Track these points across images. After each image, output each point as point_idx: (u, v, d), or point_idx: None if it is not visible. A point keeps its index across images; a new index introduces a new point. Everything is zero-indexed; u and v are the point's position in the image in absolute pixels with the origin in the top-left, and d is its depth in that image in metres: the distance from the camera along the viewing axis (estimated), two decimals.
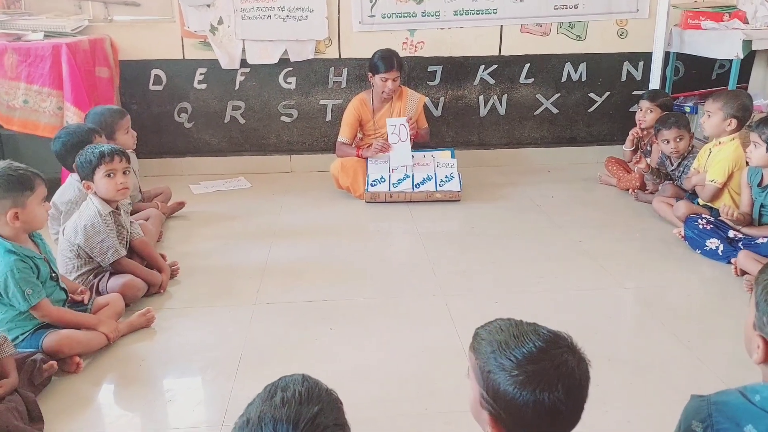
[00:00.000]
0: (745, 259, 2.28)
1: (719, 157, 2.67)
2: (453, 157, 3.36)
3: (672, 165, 3.09)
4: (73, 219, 2.22)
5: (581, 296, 2.21)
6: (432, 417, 1.57)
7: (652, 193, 3.18)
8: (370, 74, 3.28)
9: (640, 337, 1.97)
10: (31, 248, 1.85)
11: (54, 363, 1.74)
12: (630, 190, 3.31)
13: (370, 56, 3.27)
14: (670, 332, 1.96)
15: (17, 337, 1.81)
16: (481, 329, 0.97)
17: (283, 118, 3.81)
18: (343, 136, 3.38)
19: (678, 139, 2.97)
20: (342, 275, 2.41)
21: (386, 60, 3.20)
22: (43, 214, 1.84)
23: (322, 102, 3.79)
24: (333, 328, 2.01)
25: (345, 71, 3.72)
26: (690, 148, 3.00)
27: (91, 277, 2.21)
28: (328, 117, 3.81)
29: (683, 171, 3.00)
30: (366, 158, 3.32)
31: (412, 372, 1.77)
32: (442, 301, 2.18)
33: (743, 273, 2.29)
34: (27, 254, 1.81)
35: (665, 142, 3.00)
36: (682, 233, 2.63)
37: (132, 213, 2.64)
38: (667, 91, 3.62)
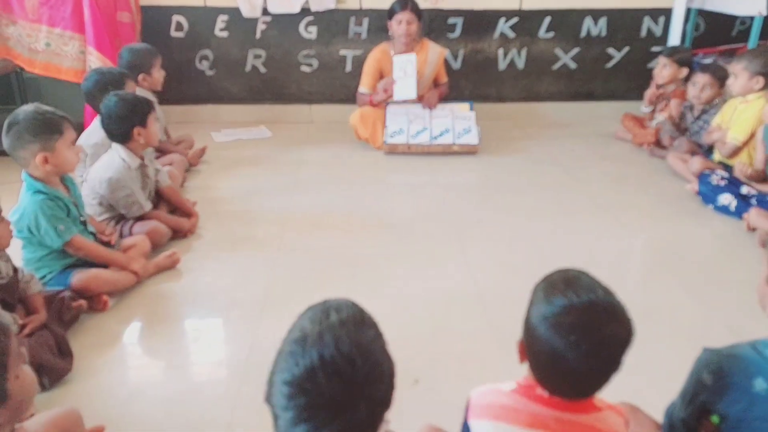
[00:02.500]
0: (757, 215, 2.34)
1: (745, 115, 2.68)
2: (471, 109, 3.39)
3: (692, 117, 3.11)
4: (97, 168, 2.21)
5: (595, 246, 2.29)
6: (448, 358, 1.64)
7: (666, 149, 3.22)
8: (388, 21, 3.27)
9: (651, 287, 2.04)
10: (61, 191, 1.87)
11: (83, 302, 1.78)
12: (645, 145, 3.35)
13: (389, 7, 3.25)
14: (680, 282, 2.04)
15: (45, 276, 1.85)
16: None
17: (304, 68, 3.82)
18: (363, 85, 3.39)
19: (705, 87, 2.97)
20: (360, 224, 2.48)
21: (400, 1, 3.19)
22: (72, 157, 1.84)
23: (342, 52, 3.79)
24: (352, 273, 2.08)
25: (366, 21, 3.70)
26: (713, 103, 3.01)
27: (113, 223, 2.23)
28: (348, 68, 3.82)
29: (702, 125, 3.02)
30: (377, 104, 3.33)
31: (428, 314, 1.84)
32: (459, 248, 2.27)
33: (755, 229, 2.36)
34: (56, 195, 1.83)
35: (693, 85, 3.01)
36: (696, 188, 2.69)
37: (156, 156, 2.68)
38: (686, 47, 3.60)
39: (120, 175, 2.16)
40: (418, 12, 3.22)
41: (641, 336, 1.72)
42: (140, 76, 2.84)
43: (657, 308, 1.89)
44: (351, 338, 0.73)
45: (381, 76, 3.39)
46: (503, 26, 3.78)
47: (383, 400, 0.75)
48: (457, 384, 1.51)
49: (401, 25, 3.19)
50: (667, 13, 3.73)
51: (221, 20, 3.66)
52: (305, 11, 3.64)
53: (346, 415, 0.70)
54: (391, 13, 3.23)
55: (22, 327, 1.57)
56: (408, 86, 3.26)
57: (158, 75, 2.94)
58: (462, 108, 3.40)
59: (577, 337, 0.84)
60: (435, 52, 3.38)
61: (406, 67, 3.25)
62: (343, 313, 0.77)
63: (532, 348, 0.91)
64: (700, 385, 1.00)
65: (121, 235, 2.20)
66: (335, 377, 0.70)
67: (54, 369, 1.54)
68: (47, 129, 1.77)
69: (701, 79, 2.99)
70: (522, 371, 0.99)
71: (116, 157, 2.19)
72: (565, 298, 0.87)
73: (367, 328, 0.77)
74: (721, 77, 2.95)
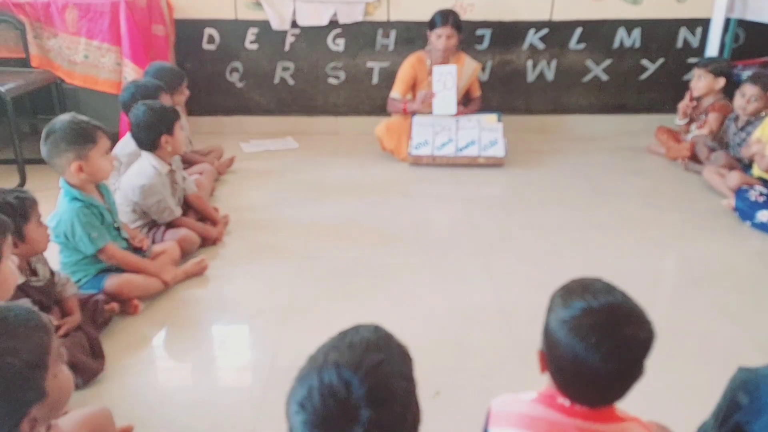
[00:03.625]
0: None
1: None
2: (499, 120, 3.35)
3: (736, 128, 3.01)
4: (130, 176, 2.26)
5: (623, 264, 2.23)
6: (469, 371, 1.63)
7: (701, 163, 3.13)
8: (428, 32, 3.28)
9: (683, 307, 1.98)
10: (96, 197, 1.92)
11: (115, 305, 1.85)
12: (680, 159, 3.26)
13: (418, 19, 3.27)
14: (713, 302, 1.97)
15: (80, 280, 1.90)
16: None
17: (331, 80, 3.87)
18: (396, 91, 3.39)
19: (752, 99, 2.88)
20: (385, 235, 2.49)
21: (442, 15, 3.20)
22: (106, 166, 1.89)
23: (369, 65, 3.82)
24: (375, 283, 2.09)
25: (393, 33, 3.73)
26: (760, 115, 2.91)
27: (145, 230, 2.29)
28: (375, 80, 3.85)
29: (745, 137, 2.92)
30: (412, 113, 3.32)
31: (451, 327, 1.83)
32: (482, 262, 2.24)
33: None
34: (92, 202, 1.88)
35: (741, 95, 2.93)
36: (732, 204, 2.60)
37: (186, 167, 2.73)
38: (723, 58, 3.50)
39: (152, 182, 2.21)
40: (458, 26, 3.23)
41: (672, 356, 1.71)
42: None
43: (689, 328, 1.83)
44: (354, 360, 0.72)
45: (414, 84, 3.39)
46: (533, 37, 3.75)
47: (391, 428, 0.72)
48: (478, 397, 1.48)
49: (441, 39, 3.20)
50: (704, 23, 3.65)
51: (251, 33, 3.74)
52: (333, 23, 3.69)
53: None
54: (431, 25, 3.24)
55: (57, 328, 1.61)
56: (448, 100, 3.25)
57: (180, 99, 2.91)
58: (489, 119, 3.37)
59: (597, 338, 0.84)
60: (470, 67, 3.37)
61: (446, 80, 3.23)
62: (357, 337, 0.77)
63: (552, 354, 0.91)
64: (735, 405, 0.97)
65: (153, 241, 2.25)
66: (329, 398, 0.70)
67: (87, 369, 1.59)
68: (82, 138, 1.82)
69: (750, 90, 2.89)
70: (541, 385, 0.97)
71: (147, 164, 2.25)
72: (584, 300, 0.87)
73: (379, 353, 0.74)
74: None
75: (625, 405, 0.93)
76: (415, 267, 2.22)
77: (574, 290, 0.90)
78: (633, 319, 0.86)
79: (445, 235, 2.50)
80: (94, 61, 3.26)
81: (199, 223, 2.41)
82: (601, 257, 2.30)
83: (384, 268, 2.21)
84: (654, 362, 1.66)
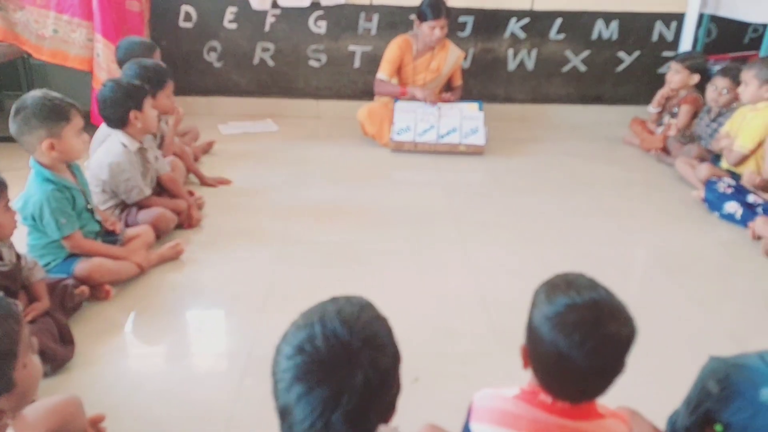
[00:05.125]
0: (763, 224, 2.34)
1: (754, 123, 2.67)
2: (481, 109, 3.37)
3: (708, 120, 3.08)
4: (99, 154, 2.21)
5: (598, 252, 2.29)
6: (449, 358, 1.64)
7: (673, 156, 3.20)
8: (417, 21, 3.25)
9: (655, 294, 2.03)
10: (68, 178, 1.86)
11: (85, 288, 1.80)
12: (652, 151, 3.33)
13: (401, 4, 3.23)
14: (683, 290, 2.04)
15: (49, 263, 1.85)
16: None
17: (312, 63, 3.81)
18: (383, 72, 3.35)
19: (724, 91, 2.95)
20: (365, 220, 2.49)
21: (435, 8, 3.16)
22: (79, 145, 1.82)
23: (351, 48, 3.78)
24: (355, 269, 2.09)
25: (376, 17, 3.69)
26: (731, 107, 2.98)
27: (117, 211, 2.24)
28: (357, 64, 3.81)
29: (716, 128, 3.00)
30: (408, 97, 3.31)
31: (430, 315, 1.84)
32: (462, 249, 2.27)
33: (760, 237, 2.35)
34: (64, 184, 1.82)
35: (714, 88, 3.00)
36: (702, 195, 2.68)
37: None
38: (700, 53, 3.57)
39: (120, 159, 2.16)
40: (449, 16, 3.23)
41: (644, 342, 1.72)
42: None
43: (660, 314, 1.89)
44: (352, 311, 0.78)
45: (400, 66, 3.37)
46: (514, 26, 3.76)
47: (383, 379, 0.75)
48: (457, 384, 1.52)
49: (434, 30, 3.18)
50: (679, 18, 3.71)
51: (230, 12, 3.64)
52: (315, 5, 3.62)
53: (340, 377, 0.72)
54: (423, 17, 3.20)
55: (25, 314, 1.57)
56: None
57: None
58: (471, 107, 3.38)
59: (581, 335, 0.84)
60: (454, 54, 3.38)
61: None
62: (351, 297, 0.83)
63: (535, 351, 0.91)
64: (706, 394, 0.99)
65: (127, 224, 2.20)
66: (332, 338, 0.74)
67: (56, 356, 1.54)
68: (55, 115, 1.76)
69: (721, 82, 2.97)
70: (520, 373, 0.99)
71: (116, 141, 2.20)
72: (568, 297, 0.87)
73: (371, 310, 0.81)
74: (740, 82, 2.93)
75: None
76: (395, 253, 2.22)
77: (558, 286, 0.90)
78: (616, 315, 0.87)
79: (426, 221, 2.51)
80: (64, 36, 3.13)
81: (170, 200, 2.35)
82: (577, 245, 2.34)
83: (364, 254, 2.21)
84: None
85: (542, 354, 0.89)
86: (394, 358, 0.79)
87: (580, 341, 0.84)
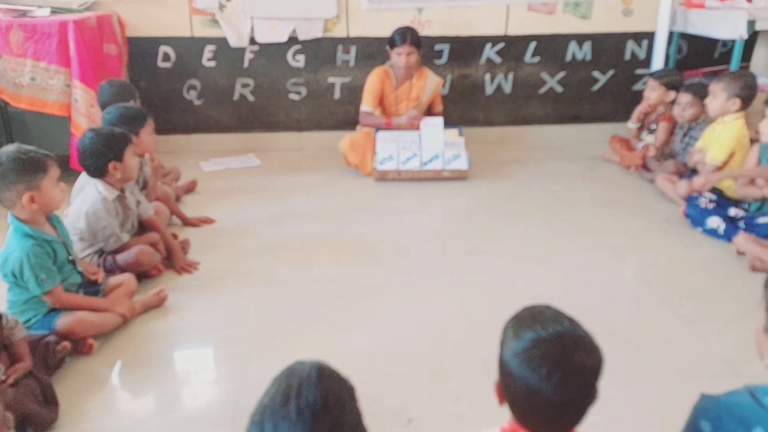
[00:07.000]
0: (745, 241, 2.34)
1: (723, 136, 2.73)
2: (460, 135, 3.41)
3: (682, 135, 3.15)
4: (77, 203, 2.20)
5: (585, 273, 2.29)
6: (442, 396, 1.60)
7: (653, 172, 3.25)
8: (389, 49, 3.32)
9: (642, 314, 2.02)
10: (48, 231, 1.83)
11: (67, 344, 1.74)
12: (632, 168, 3.38)
13: (377, 35, 3.28)
14: (669, 309, 2.04)
15: (30, 319, 1.81)
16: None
17: (292, 96, 3.84)
18: (367, 104, 3.39)
19: (687, 106, 3.03)
20: (352, 253, 2.47)
21: (400, 34, 3.25)
22: (58, 194, 1.81)
23: (330, 80, 3.81)
24: (343, 306, 2.06)
25: (353, 49, 3.73)
26: (699, 121, 3.06)
27: (96, 257, 2.22)
28: (337, 95, 3.84)
29: (689, 142, 3.06)
30: (395, 128, 3.34)
31: (421, 350, 1.81)
32: (450, 279, 2.25)
33: (743, 253, 2.35)
34: (45, 238, 1.79)
35: (678, 104, 3.09)
36: (684, 210, 2.71)
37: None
38: (675, 70, 3.65)
39: (95, 208, 2.15)
40: (417, 43, 3.28)
41: (637, 370, 1.72)
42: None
43: (651, 339, 1.88)
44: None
45: (381, 97, 3.41)
46: (489, 51, 3.83)
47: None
48: (452, 424, 1.49)
49: (401, 57, 3.26)
50: (650, 36, 3.81)
51: (209, 50, 3.67)
52: (293, 40, 3.66)
53: None
54: (392, 44, 3.28)
55: (6, 376, 1.52)
56: (435, 137, 3.36)
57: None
58: (451, 134, 3.42)
59: (548, 368, 0.85)
60: (433, 82, 3.43)
61: (433, 131, 3.37)
62: (302, 400, 0.77)
63: (508, 387, 0.91)
64: None
65: (106, 269, 2.18)
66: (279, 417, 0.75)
67: (40, 419, 1.49)
68: (32, 168, 1.74)
69: (684, 98, 3.06)
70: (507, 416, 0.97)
71: (93, 190, 2.18)
72: (533, 332, 0.88)
73: (329, 414, 0.76)
74: (702, 96, 2.99)
75: (590, 426, 0.94)
76: (383, 287, 2.21)
77: (525, 320, 0.91)
78: (581, 346, 0.88)
79: (413, 250, 2.50)
80: (42, 83, 3.11)
81: (142, 236, 2.34)
82: (563, 266, 2.34)
83: (352, 290, 2.18)
84: (614, 369, 1.68)
85: (514, 389, 0.89)
86: (357, 414, 0.80)
87: (547, 374, 0.85)
